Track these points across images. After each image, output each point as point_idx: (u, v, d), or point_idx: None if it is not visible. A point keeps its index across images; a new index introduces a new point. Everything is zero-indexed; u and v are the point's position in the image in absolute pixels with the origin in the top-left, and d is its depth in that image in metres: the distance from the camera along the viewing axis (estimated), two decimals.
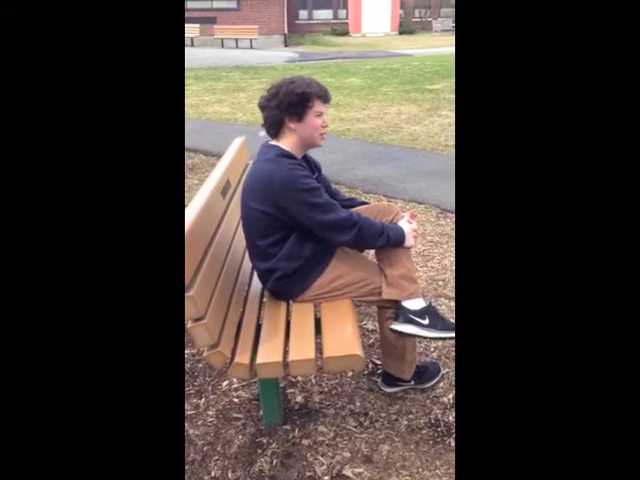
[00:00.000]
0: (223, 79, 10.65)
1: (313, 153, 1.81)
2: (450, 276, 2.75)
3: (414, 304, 1.69)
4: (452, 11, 24.74)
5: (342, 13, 23.74)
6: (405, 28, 23.54)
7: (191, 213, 1.57)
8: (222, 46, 17.98)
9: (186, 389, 1.96)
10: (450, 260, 2.93)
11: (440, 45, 17.65)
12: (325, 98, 1.69)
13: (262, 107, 1.72)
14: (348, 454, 1.65)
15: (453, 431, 1.73)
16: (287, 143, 1.70)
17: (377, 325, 2.00)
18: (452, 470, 1.58)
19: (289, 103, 1.64)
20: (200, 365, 2.09)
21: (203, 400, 1.91)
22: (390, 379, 1.90)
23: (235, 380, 2.00)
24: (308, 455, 1.65)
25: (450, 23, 24.29)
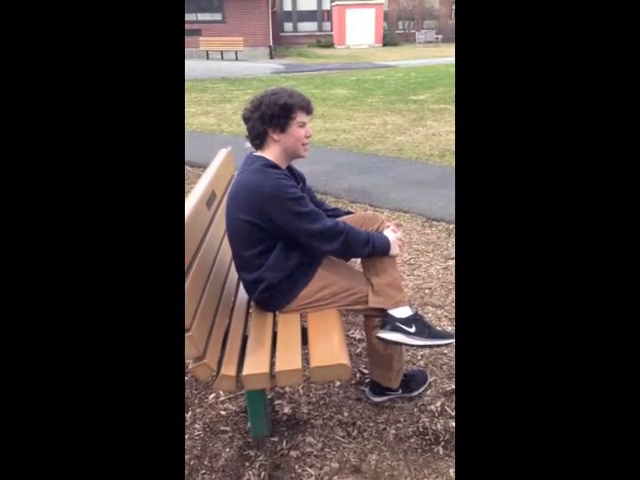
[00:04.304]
0: (209, 90, 10.66)
1: (300, 163, 1.82)
2: (436, 284, 2.76)
3: (400, 312, 1.70)
4: (435, 23, 25.14)
5: (327, 25, 24.02)
6: (389, 40, 23.82)
7: None
8: (207, 58, 18.03)
9: None
10: (436, 268, 2.95)
11: (424, 56, 17.85)
12: (307, 109, 1.70)
13: (246, 119, 1.72)
14: (336, 465, 1.64)
15: (441, 439, 1.73)
16: (271, 154, 1.70)
17: (364, 334, 2.00)
18: (440, 479, 1.58)
19: (272, 114, 1.64)
20: (186, 378, 2.06)
21: (190, 413, 1.89)
22: (378, 388, 1.89)
23: (222, 392, 1.99)
24: (296, 467, 1.64)
25: (433, 35, 24.66)
